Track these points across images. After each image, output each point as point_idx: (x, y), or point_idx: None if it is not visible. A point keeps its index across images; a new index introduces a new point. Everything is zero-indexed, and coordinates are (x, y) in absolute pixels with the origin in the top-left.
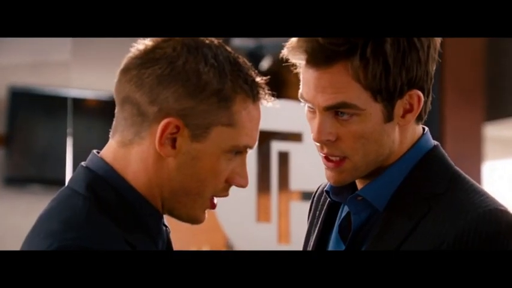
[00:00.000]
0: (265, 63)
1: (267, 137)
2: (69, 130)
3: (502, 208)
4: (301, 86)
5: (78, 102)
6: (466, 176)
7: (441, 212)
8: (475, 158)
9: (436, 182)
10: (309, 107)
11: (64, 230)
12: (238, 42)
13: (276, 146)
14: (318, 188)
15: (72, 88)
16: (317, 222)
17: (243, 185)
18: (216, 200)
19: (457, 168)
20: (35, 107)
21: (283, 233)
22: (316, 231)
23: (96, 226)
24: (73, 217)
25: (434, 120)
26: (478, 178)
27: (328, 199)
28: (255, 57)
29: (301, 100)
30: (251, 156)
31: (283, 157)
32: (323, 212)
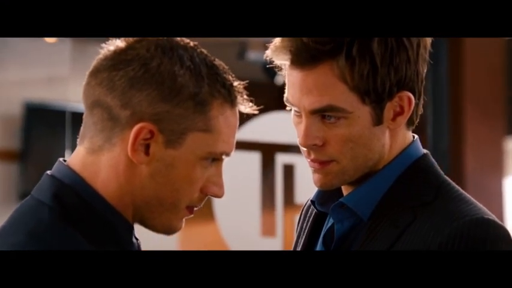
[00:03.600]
0: (280, 77)
1: (271, 150)
2: (67, 144)
3: (490, 217)
4: (286, 90)
5: (78, 116)
6: (455, 185)
7: (427, 220)
8: (497, 173)
9: (422, 190)
10: (295, 111)
11: (28, 243)
12: (253, 56)
13: (281, 159)
14: (307, 201)
15: (71, 102)
16: (303, 235)
17: (218, 195)
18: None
19: (446, 178)
20: (50, 122)
21: (289, 248)
22: (301, 243)
23: (62, 238)
24: (38, 229)
25: (454, 134)
26: (500, 192)
27: (315, 210)
28: (269, 70)
29: (287, 104)
30: (255, 169)
31: (289, 170)
32: (309, 223)
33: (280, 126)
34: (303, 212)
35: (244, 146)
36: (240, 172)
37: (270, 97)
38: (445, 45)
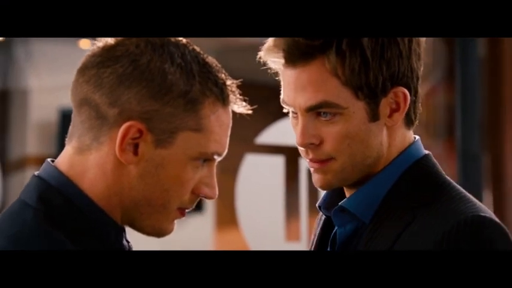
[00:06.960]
0: None
1: (296, 153)
2: None
3: (486, 215)
4: (282, 91)
5: None
6: (456, 185)
7: (425, 220)
8: None
9: (423, 191)
10: (292, 112)
11: (10, 247)
12: None
13: (305, 163)
14: None
15: None
16: (314, 240)
17: (211, 196)
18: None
19: (448, 178)
20: None
21: None
22: (312, 249)
23: (47, 242)
24: (22, 232)
25: (492, 135)
26: None
27: (324, 216)
28: None
29: (283, 105)
30: (279, 173)
31: None
32: (319, 229)
33: None
34: (318, 218)
35: (268, 149)
36: (264, 176)
37: None
38: (475, 43)
